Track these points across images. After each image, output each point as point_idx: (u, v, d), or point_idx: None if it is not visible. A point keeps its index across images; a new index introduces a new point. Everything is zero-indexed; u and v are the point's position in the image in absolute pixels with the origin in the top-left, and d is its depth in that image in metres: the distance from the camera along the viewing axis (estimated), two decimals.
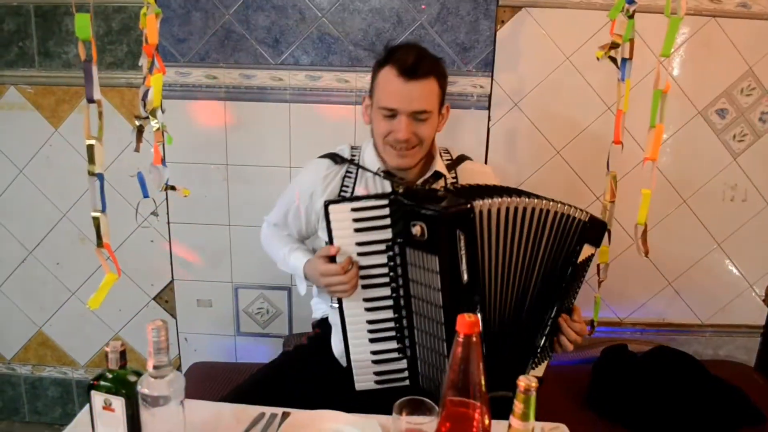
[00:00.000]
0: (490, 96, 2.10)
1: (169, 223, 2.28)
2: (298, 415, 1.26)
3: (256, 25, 2.08)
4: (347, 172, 1.67)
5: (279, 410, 1.28)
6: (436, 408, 1.00)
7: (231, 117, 2.17)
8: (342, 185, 1.65)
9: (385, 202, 1.37)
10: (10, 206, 2.35)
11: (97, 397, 1.07)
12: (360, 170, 1.66)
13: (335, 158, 1.69)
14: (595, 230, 1.45)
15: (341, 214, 1.38)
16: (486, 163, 2.15)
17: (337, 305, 1.45)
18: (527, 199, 1.36)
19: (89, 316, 2.42)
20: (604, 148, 1.67)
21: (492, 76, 2.09)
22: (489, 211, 1.32)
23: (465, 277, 1.30)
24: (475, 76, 2.08)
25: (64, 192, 2.31)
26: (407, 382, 1.44)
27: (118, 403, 1.06)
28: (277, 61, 2.11)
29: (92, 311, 2.41)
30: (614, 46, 1.70)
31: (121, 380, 1.07)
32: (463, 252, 1.29)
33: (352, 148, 1.74)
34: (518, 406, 0.90)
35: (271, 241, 1.82)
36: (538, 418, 1.32)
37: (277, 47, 2.10)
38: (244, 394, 1.52)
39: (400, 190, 1.52)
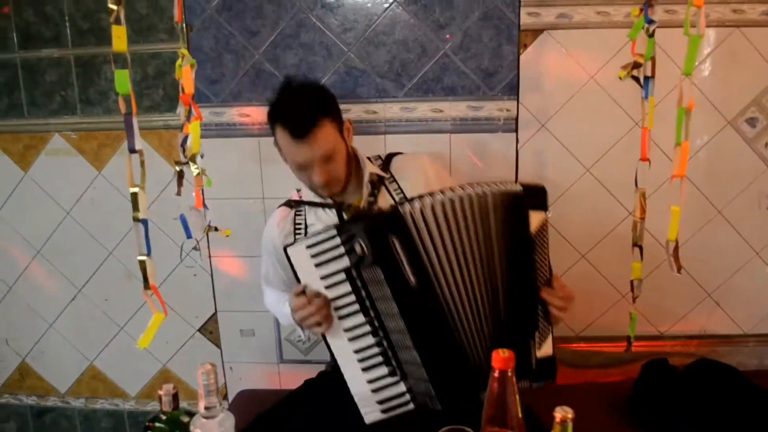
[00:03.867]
0: (516, 119, 2.13)
1: (210, 257, 2.36)
2: None
3: (285, 63, 2.15)
4: (296, 212, 1.79)
5: None
6: None
7: (265, 152, 2.23)
8: (295, 225, 1.76)
9: (333, 232, 1.41)
10: (58, 247, 2.46)
11: None
12: (307, 206, 1.78)
13: (287, 203, 1.83)
14: (535, 196, 1.45)
15: (299, 254, 1.43)
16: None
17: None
18: (456, 192, 1.38)
19: (138, 350, 2.49)
20: (635, 164, 1.69)
21: (518, 99, 2.12)
22: (422, 212, 1.37)
23: (413, 280, 1.37)
24: (500, 100, 2.12)
25: (109, 231, 2.41)
26: (412, 406, 1.45)
27: None
28: None
29: None
30: (636, 65, 1.72)
31: (174, 421, 1.13)
32: (402, 256, 1.36)
33: (297, 190, 1.86)
34: None
35: (274, 306, 1.92)
36: None
37: None
38: (266, 421, 1.64)
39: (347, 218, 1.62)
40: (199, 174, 1.64)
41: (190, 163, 1.61)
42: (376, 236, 1.37)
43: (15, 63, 2.30)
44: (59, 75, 2.28)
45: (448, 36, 2.07)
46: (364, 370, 1.45)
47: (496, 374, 0.93)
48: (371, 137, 2.17)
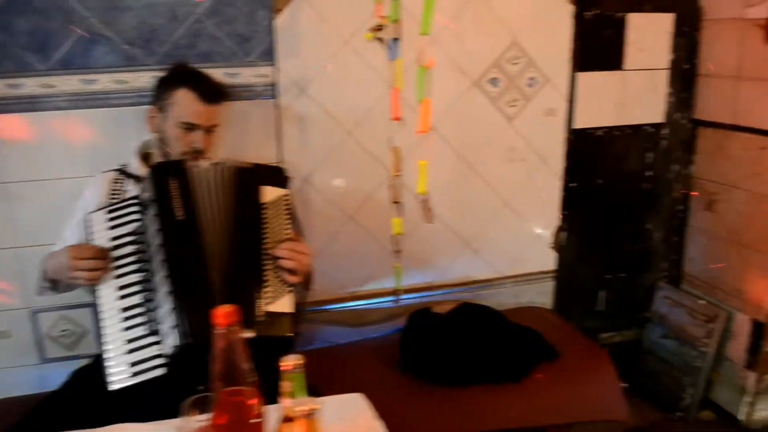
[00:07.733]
0: (275, 85, 2.13)
1: None
2: None
3: (18, 30, 1.92)
4: (115, 179, 1.83)
5: None
6: None
7: (2, 131, 1.99)
8: (111, 192, 1.81)
9: (135, 200, 1.59)
10: None
11: None
12: (127, 177, 1.83)
13: (109, 171, 1.86)
14: (272, 175, 1.71)
15: (99, 218, 1.59)
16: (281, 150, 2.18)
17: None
18: (222, 163, 1.66)
19: None
20: (392, 125, 1.77)
21: (275, 65, 2.11)
22: (200, 169, 1.60)
23: (181, 215, 1.52)
24: (257, 66, 2.09)
25: None
26: (165, 370, 1.47)
27: None
28: (46, 66, 1.97)
29: None
30: (379, 27, 1.80)
31: None
32: (176, 194, 1.54)
33: (122, 165, 1.89)
34: (287, 385, 0.92)
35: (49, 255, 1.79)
36: (351, 389, 1.39)
37: (45, 52, 1.96)
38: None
39: None
40: None
41: None
42: (158, 178, 1.56)
43: None
44: None
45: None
46: (127, 329, 1.50)
47: (220, 330, 0.91)
48: (121, 109, 2.03)
